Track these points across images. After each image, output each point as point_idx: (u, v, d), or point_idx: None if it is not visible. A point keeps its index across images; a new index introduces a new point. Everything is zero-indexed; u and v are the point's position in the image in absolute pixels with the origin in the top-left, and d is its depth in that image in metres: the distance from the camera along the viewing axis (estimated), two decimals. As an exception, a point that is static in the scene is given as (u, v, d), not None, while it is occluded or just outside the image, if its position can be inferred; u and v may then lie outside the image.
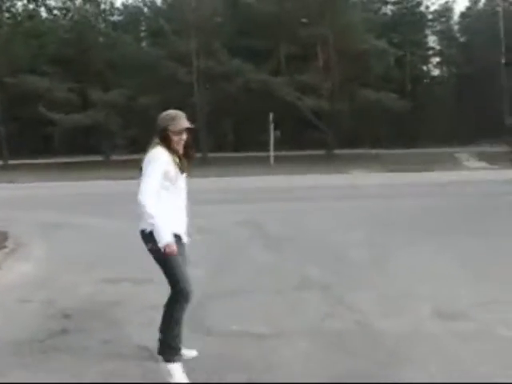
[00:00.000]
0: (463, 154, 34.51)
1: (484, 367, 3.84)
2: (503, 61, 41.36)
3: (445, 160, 30.31)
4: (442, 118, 48.33)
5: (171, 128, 3.85)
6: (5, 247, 8.45)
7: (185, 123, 3.91)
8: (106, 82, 39.74)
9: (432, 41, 54.48)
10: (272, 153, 32.39)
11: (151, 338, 4.48)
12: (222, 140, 49.64)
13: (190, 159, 4.02)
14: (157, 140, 3.89)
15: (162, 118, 3.94)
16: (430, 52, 55.20)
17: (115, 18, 48.22)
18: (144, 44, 47.83)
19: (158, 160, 3.78)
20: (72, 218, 12.11)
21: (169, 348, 3.85)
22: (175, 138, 3.86)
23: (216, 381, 3.74)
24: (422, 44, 51.93)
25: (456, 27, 54.92)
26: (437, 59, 56.36)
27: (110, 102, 37.19)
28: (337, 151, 37.26)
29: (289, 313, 5.10)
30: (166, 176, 3.79)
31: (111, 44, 40.64)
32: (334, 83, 36.10)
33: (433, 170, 24.69)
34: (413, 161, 30.39)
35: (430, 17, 52.40)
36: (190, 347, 4.11)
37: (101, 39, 42.16)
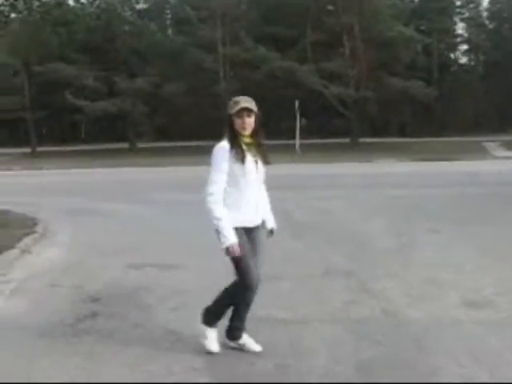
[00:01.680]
0: (491, 142, 34.03)
1: (509, 355, 3.83)
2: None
3: (472, 149, 29.92)
4: (470, 106, 47.71)
5: (232, 112, 3.79)
6: (34, 232, 8.58)
7: (244, 103, 3.78)
8: (132, 69, 39.95)
9: (460, 28, 53.69)
10: (298, 141, 32.27)
11: (178, 321, 4.57)
12: (247, 128, 49.56)
13: (258, 147, 3.93)
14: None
15: (228, 106, 3.90)
16: (458, 39, 54.39)
17: (141, 5, 48.36)
18: (169, 32, 47.92)
19: (218, 156, 3.80)
20: (99, 204, 12.26)
21: (213, 314, 4.02)
22: (238, 121, 3.80)
23: (243, 367, 3.78)
24: (449, 31, 51.12)
25: (485, 14, 53.99)
26: (465, 46, 55.52)
27: (135, 90, 37.39)
28: (363, 140, 37.01)
29: (314, 300, 5.12)
30: (230, 171, 3.79)
31: (137, 32, 40.78)
32: (361, 71, 35.78)
33: (460, 160, 24.40)
34: (439, 149, 30.09)
35: (458, 3, 51.57)
36: (220, 333, 4.15)
37: (127, 27, 42.31)
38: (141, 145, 41.42)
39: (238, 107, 3.76)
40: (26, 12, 40.13)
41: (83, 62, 38.98)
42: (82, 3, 45.63)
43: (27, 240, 7.96)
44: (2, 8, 42.46)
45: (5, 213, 10.53)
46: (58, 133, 53.54)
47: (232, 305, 4.01)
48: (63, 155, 35.42)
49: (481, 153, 29.10)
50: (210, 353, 3.93)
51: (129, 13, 45.01)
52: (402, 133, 44.33)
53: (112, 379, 3.65)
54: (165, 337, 4.29)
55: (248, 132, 3.82)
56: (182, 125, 47.58)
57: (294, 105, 32.80)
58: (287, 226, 9.00)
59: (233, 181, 3.81)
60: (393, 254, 6.91)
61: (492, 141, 34.64)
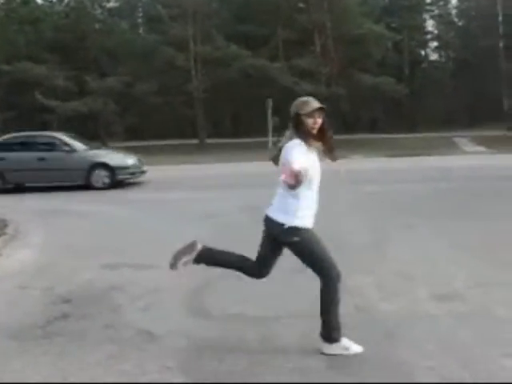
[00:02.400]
0: (461, 138, 34.49)
1: (480, 348, 3.89)
2: (501, 44, 41.27)
3: (443, 144, 30.28)
4: (440, 102, 48.30)
5: (302, 112, 3.78)
6: (4, 234, 8.47)
7: (316, 104, 3.81)
8: (103, 69, 39.63)
9: (430, 25, 54.31)
10: (270, 138, 32.29)
11: (151, 322, 4.54)
12: (220, 126, 49.58)
13: (326, 145, 3.96)
14: (290, 130, 3.88)
15: (294, 105, 3.90)
16: (428, 36, 55.00)
17: (111, 4, 47.90)
18: (141, 30, 47.61)
19: (295, 150, 3.72)
20: (71, 205, 12.14)
21: (333, 329, 3.93)
22: (309, 121, 3.79)
23: (215, 364, 3.78)
24: (420, 28, 51.67)
25: (454, 11, 54.71)
26: (435, 43, 56.20)
27: (107, 90, 37.07)
28: (335, 136, 37.17)
29: (287, 296, 5.13)
30: None
31: (108, 30, 40.47)
32: (332, 68, 36.00)
33: (431, 155, 24.64)
34: (411, 145, 30.37)
35: (428, 1, 52.13)
36: (188, 330, 4.14)
37: (97, 26, 41.93)
38: (112, 144, 41.06)
39: (311, 108, 3.77)
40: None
41: (52, 61, 38.51)
42: (51, 1, 45.01)
43: (-3, 242, 7.85)
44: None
45: (-26, 215, 10.37)
46: (28, 133, 52.79)
47: (335, 304, 4.00)
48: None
49: (451, 148, 29.46)
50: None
51: (99, 11, 44.60)
52: (373, 129, 44.67)
53: (86, 379, 3.62)
54: (136, 336, 4.27)
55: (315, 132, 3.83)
56: (153, 124, 47.31)
57: (265, 103, 32.81)
58: (260, 223, 9.02)
59: (307, 181, 3.76)
60: (367, 250, 6.95)
61: (462, 136, 35.13)
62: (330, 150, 3.99)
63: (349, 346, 3.89)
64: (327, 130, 3.93)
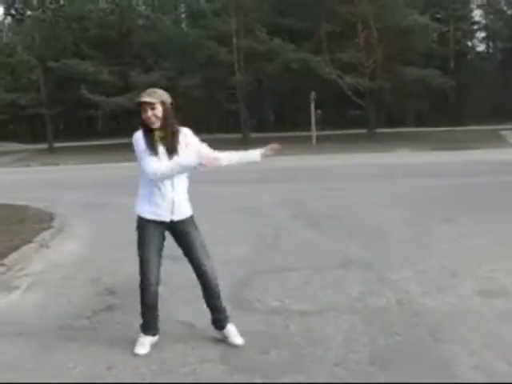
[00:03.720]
0: (509, 131, 33.63)
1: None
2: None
3: (489, 138, 29.60)
4: (487, 94, 47.13)
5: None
6: (51, 227, 8.67)
7: (141, 97, 3.89)
8: (147, 64, 40.00)
9: (477, 15, 52.97)
10: (314, 132, 32.14)
11: (193, 314, 4.59)
12: (263, 120, 49.58)
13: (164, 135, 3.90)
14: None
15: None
16: (475, 26, 53.70)
17: (154, -1, 48.36)
18: (183, 25, 47.88)
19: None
20: (115, 198, 12.31)
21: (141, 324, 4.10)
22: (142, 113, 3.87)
23: (258, 356, 3.79)
24: (466, 18, 50.46)
25: (502, 0, 53.22)
26: (482, 34, 54.83)
27: (150, 84, 37.01)
28: (379, 130, 36.78)
29: (330, 290, 5.12)
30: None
31: (151, 26, 40.77)
32: (376, 61, 35.51)
33: (477, 148, 24.14)
34: (456, 139, 29.79)
35: (475, -11, 50.89)
36: (232, 324, 4.17)
37: (140, 21, 42.32)
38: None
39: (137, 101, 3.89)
40: (39, 9, 40.32)
41: (98, 57, 39.08)
42: (95, -1, 45.71)
43: (45, 234, 8.05)
44: (17, 6, 42.72)
45: (23, 208, 10.66)
46: (74, 128, 53.89)
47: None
48: (80, 150, 35.67)
49: (498, 141, 28.76)
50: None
51: (143, 7, 45.02)
52: (418, 122, 43.94)
53: (127, 368, 3.69)
54: (178, 328, 4.33)
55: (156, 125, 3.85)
56: (197, 118, 47.62)
57: (308, 96, 32.67)
58: (302, 217, 9.02)
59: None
60: (410, 244, 6.88)
61: (510, 129, 34.23)
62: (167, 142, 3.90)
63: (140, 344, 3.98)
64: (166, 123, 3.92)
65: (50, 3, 40.00)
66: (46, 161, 30.10)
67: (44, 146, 40.07)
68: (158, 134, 3.84)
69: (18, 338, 4.32)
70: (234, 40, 36.60)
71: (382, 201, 10.59)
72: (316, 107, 33.16)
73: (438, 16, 44.14)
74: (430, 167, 16.91)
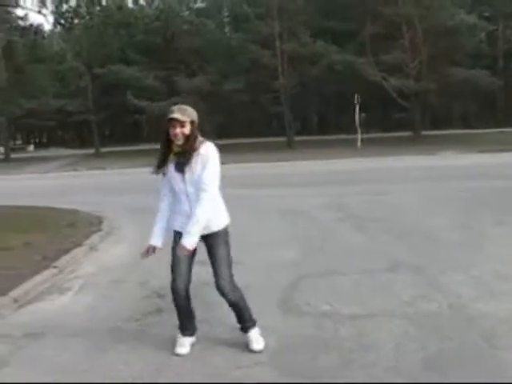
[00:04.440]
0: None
1: None
2: None
3: (540, 139, 28.80)
4: (538, 94, 45.90)
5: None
6: (100, 230, 8.81)
7: (172, 114, 3.88)
8: (191, 68, 40.40)
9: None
10: (359, 135, 31.86)
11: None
12: (307, 123, 49.45)
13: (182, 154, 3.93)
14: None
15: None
16: (525, 25, 52.36)
17: (198, 4, 48.81)
18: (227, 29, 48.19)
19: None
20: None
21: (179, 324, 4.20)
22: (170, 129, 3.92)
23: (308, 360, 3.76)
24: (515, 16, 49.27)
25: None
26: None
27: (195, 89, 37.76)
28: (425, 132, 36.24)
29: (380, 294, 5.04)
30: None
31: (195, 31, 41.18)
32: (421, 62, 35.00)
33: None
34: (505, 141, 29.06)
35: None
36: (280, 327, 4.14)
37: (185, 27, 42.79)
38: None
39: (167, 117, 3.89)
40: (88, 17, 41.19)
41: (143, 62, 39.71)
42: (141, 5, 46.41)
43: (94, 237, 8.18)
44: (66, 15, 43.72)
45: (72, 212, 10.87)
46: (120, 133, 54.84)
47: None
48: (125, 155, 36.23)
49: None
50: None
51: (186, 12, 45.52)
52: (465, 124, 43.14)
53: (177, 372, 3.70)
54: (229, 332, 4.31)
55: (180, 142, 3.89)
56: (241, 122, 47.84)
57: (352, 99, 32.40)
58: (349, 220, 8.93)
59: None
60: (461, 248, 6.73)
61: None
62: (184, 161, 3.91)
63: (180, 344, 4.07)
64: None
65: (99, 11, 40.77)
66: (93, 165, 30.66)
67: (91, 151, 40.89)
68: (176, 149, 3.92)
69: (71, 339, 4.39)
70: (278, 43, 36.61)
71: (430, 204, 10.40)
72: (360, 109, 32.88)
73: (486, 15, 43.21)
74: (476, 169, 16.54)
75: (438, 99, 39.41)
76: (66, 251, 7.09)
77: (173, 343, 4.13)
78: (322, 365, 3.70)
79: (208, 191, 3.82)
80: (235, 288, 4.10)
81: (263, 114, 45.73)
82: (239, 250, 7.10)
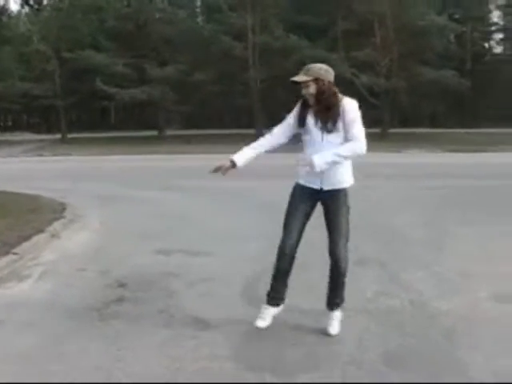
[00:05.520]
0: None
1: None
2: None
3: (506, 140, 29.32)
4: (504, 96, 46.72)
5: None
6: (63, 217, 8.64)
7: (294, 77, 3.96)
8: (163, 57, 40.02)
9: (496, 16, 52.50)
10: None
11: (205, 309, 4.54)
12: (276, 116, 49.39)
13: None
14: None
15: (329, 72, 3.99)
16: (493, 28, 53.23)
17: (171, -7, 48.35)
18: (199, 19, 47.85)
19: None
20: (127, 190, 12.33)
21: (268, 290, 4.11)
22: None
23: (269, 354, 3.74)
24: (484, 19, 50.05)
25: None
26: (500, 35, 54.35)
27: (165, 78, 37.46)
28: (393, 130, 36.59)
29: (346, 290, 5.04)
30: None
31: (167, 20, 40.76)
32: (392, 60, 35.32)
33: (493, 151, 23.97)
34: (472, 140, 29.58)
35: (494, -10, 50.38)
36: (244, 318, 4.11)
37: (157, 15, 42.34)
38: (169, 132, 41.58)
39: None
40: (57, -1, 40.47)
41: (113, 49, 39.17)
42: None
43: (56, 224, 8.03)
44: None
45: (35, 198, 10.66)
46: (87, 120, 54.12)
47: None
48: (93, 142, 35.78)
49: (514, 144, 28.53)
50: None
51: (159, 0, 45.00)
52: (433, 123, 43.69)
53: (137, 363, 3.64)
54: (190, 323, 4.27)
55: None
56: (210, 113, 47.63)
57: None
58: (320, 216, 8.93)
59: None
60: (424, 245, 6.80)
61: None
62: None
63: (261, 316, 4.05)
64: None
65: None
66: (59, 151, 30.23)
67: (57, 136, 40.27)
68: (314, 109, 3.89)
69: (29, 327, 4.29)
70: (250, 36, 36.51)
71: (397, 201, 10.49)
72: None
73: (456, 17, 43.80)
74: (441, 168, 16.78)
75: (407, 98, 39.79)
76: (27, 238, 6.93)
77: (134, 334, 4.07)
78: (285, 358, 3.68)
79: (361, 141, 3.83)
80: (347, 258, 4.01)
81: (233, 106, 45.59)
82: (208, 241, 7.11)
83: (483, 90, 44.93)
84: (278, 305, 4.07)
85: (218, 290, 5.04)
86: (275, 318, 4.10)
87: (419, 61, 37.02)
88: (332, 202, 3.97)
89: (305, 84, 3.84)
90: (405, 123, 39.94)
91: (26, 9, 44.38)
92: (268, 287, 4.14)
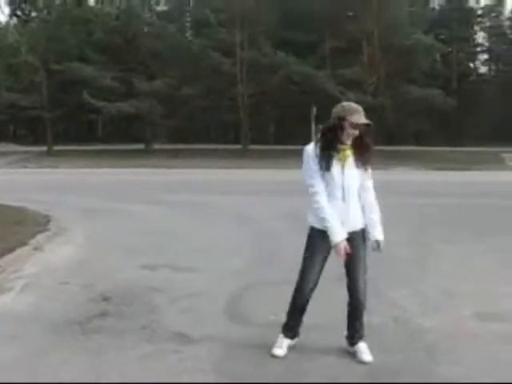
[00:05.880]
0: (509, 154, 33.69)
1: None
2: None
3: (490, 159, 29.69)
4: (488, 116, 47.32)
5: (349, 119, 3.78)
6: (47, 230, 8.59)
7: (362, 119, 3.83)
8: (151, 71, 40.08)
9: (481, 37, 53.31)
10: (313, 146, 32.11)
11: (188, 324, 4.52)
12: (263, 132, 49.60)
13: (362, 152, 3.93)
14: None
15: (340, 107, 3.90)
16: (478, 49, 54.03)
17: (161, 7, 48.52)
18: (188, 34, 48.03)
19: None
20: (113, 203, 12.28)
21: (284, 324, 4.07)
22: (350, 131, 3.80)
23: (250, 369, 3.73)
24: (469, 40, 50.81)
25: (507, 23, 53.53)
26: (485, 56, 55.14)
27: (153, 92, 37.49)
28: (378, 147, 36.80)
29: (326, 305, 5.04)
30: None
31: (156, 33, 40.88)
32: (379, 78, 35.67)
33: (477, 170, 24.20)
34: (456, 159, 29.85)
35: (479, 12, 51.21)
36: (226, 335, 4.10)
37: (146, 29, 42.45)
38: (156, 146, 41.55)
39: (358, 121, 3.79)
40: (45, 11, 40.40)
41: (101, 61, 39.16)
42: (102, 3, 45.74)
43: (40, 237, 7.97)
44: (24, 7, 42.85)
45: (20, 210, 10.58)
46: (74, 132, 53.93)
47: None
48: (79, 154, 35.64)
49: (499, 163, 28.86)
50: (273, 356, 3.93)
51: (148, 14, 45.14)
52: (418, 141, 44.06)
53: (118, 377, 3.62)
54: (173, 338, 4.25)
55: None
56: (198, 127, 47.68)
57: (310, 111, 32.72)
58: (298, 230, 8.95)
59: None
60: (408, 263, 6.83)
61: (510, 152, 34.29)
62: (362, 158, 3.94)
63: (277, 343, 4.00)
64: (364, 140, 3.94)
65: (58, 5, 40.02)
66: (45, 163, 30.08)
67: (43, 148, 40.04)
68: (348, 151, 3.85)
69: (10, 340, 4.25)
70: (238, 51, 36.71)
71: (381, 219, 10.52)
72: (317, 122, 33.21)
73: (442, 37, 44.41)
74: (429, 186, 16.90)
75: (393, 116, 40.14)
76: (10, 250, 6.87)
77: (116, 348, 4.05)
78: (264, 374, 3.68)
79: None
80: (366, 291, 4.08)
81: (220, 121, 45.70)
82: (192, 256, 7.09)
83: (468, 109, 45.48)
84: (293, 338, 4.08)
85: (201, 306, 5.03)
86: (265, 337, 4.09)
87: (406, 79, 37.45)
88: (354, 241, 3.99)
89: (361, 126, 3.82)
90: (390, 141, 40.20)
91: (15, 20, 44.25)
92: (249, 305, 4.13)
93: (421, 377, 3.64)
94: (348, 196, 3.88)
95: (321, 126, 3.98)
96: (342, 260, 3.86)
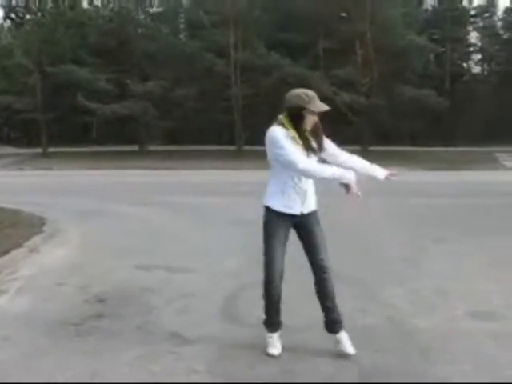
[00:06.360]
0: (503, 153, 33.83)
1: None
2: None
3: (483, 159, 29.77)
4: (482, 116, 47.45)
5: (309, 107, 3.87)
6: (42, 232, 8.60)
7: (324, 106, 3.94)
8: (145, 73, 40.04)
9: (474, 37, 53.48)
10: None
11: (183, 325, 4.55)
12: (258, 133, 49.49)
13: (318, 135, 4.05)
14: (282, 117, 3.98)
15: (297, 97, 3.94)
16: (471, 49, 54.19)
17: (154, 9, 48.44)
18: (182, 36, 48.01)
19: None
20: (108, 205, 12.30)
21: (265, 320, 4.12)
22: (310, 118, 3.90)
23: (246, 370, 3.76)
24: (462, 41, 50.94)
25: (499, 23, 53.72)
26: (478, 56, 55.31)
27: (147, 93, 37.47)
28: (372, 148, 36.90)
29: (317, 306, 5.07)
30: None
31: (150, 35, 40.86)
32: (372, 79, 35.75)
33: (471, 169, 24.27)
34: (450, 159, 29.94)
35: (472, 12, 51.35)
36: (222, 335, 4.12)
37: (140, 30, 42.41)
38: (151, 148, 41.52)
39: (319, 109, 3.91)
40: (39, 13, 40.33)
41: (95, 64, 39.11)
42: (96, 6, 45.71)
43: (36, 239, 7.98)
44: (17, 9, 42.76)
45: (14, 212, 10.57)
46: (68, 134, 53.77)
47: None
48: (74, 156, 35.59)
49: (492, 163, 28.94)
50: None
51: (142, 16, 45.09)
52: (412, 141, 44.16)
53: (113, 378, 3.64)
54: (168, 339, 4.27)
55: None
56: (192, 129, 47.62)
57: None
58: (292, 231, 8.97)
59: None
60: (402, 263, 6.85)
61: (504, 152, 34.43)
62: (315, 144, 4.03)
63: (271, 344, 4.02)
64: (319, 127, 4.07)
65: (51, 8, 39.95)
66: (40, 165, 30.04)
67: (38, 150, 39.97)
68: (310, 137, 3.96)
69: (4, 342, 4.27)
70: (232, 53, 36.72)
71: (374, 219, 10.58)
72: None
73: (435, 37, 44.55)
74: (423, 186, 16.95)
75: (387, 116, 40.24)
76: (5, 252, 6.88)
77: (111, 350, 4.06)
78: (260, 375, 3.70)
79: None
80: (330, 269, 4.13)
81: (214, 122, 45.66)
82: (187, 257, 7.11)
83: (461, 109, 45.64)
84: (277, 330, 4.11)
85: (196, 306, 5.05)
86: (260, 337, 4.12)
87: (399, 80, 37.52)
88: (311, 223, 4.05)
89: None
90: (385, 141, 40.29)
91: (8, 22, 44.19)
92: (245, 305, 4.15)
93: (415, 377, 3.66)
94: (306, 179, 3.97)
95: (283, 115, 4.03)
96: (357, 196, 4.08)
